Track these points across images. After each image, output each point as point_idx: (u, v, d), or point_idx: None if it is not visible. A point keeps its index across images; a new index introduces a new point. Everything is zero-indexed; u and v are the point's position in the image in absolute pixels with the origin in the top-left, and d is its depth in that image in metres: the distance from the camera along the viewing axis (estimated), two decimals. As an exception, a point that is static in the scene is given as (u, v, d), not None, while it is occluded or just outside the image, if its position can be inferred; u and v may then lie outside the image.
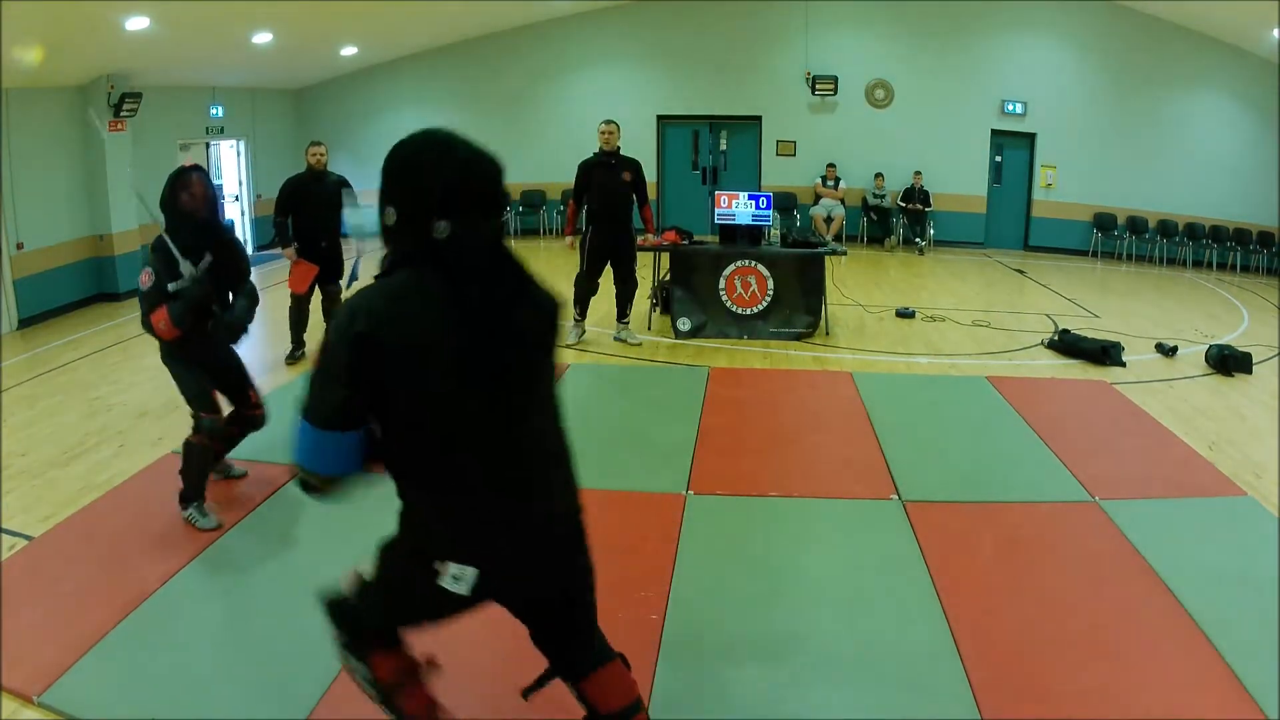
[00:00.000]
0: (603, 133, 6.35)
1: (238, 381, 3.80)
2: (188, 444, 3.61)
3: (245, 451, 4.45)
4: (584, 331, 6.87)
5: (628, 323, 6.85)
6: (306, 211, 6.02)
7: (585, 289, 6.63)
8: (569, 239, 6.65)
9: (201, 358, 3.61)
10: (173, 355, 3.58)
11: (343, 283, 6.36)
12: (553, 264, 10.50)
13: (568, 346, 6.66)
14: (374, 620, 2.01)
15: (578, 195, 6.46)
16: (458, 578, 1.71)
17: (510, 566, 1.77)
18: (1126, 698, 2.57)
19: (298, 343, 6.36)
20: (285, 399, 5.47)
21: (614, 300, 6.76)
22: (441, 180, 1.60)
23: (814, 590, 3.21)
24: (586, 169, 6.39)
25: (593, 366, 6.16)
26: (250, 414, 3.84)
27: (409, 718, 2.06)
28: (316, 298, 6.31)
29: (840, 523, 3.75)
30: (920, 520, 3.68)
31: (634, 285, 6.73)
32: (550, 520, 1.83)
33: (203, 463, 3.65)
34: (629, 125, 12.44)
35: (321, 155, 6.12)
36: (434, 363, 1.59)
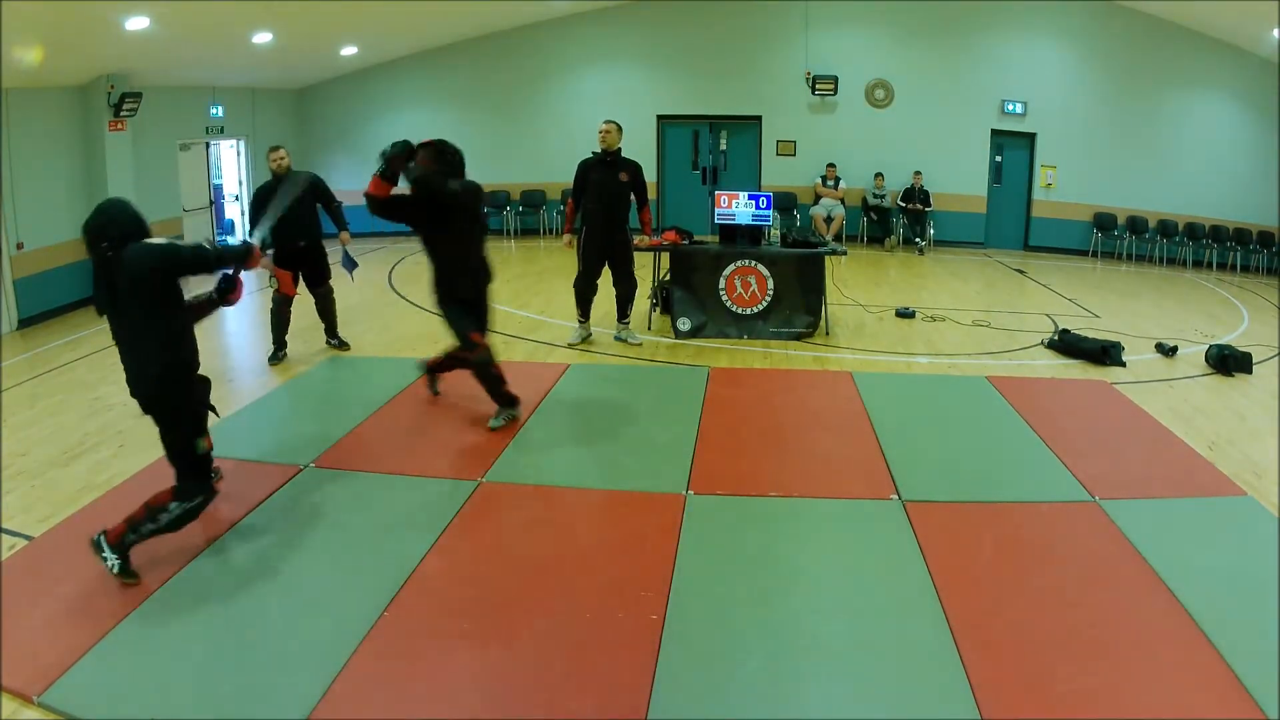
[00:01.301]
0: (602, 132, 6.32)
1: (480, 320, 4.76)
2: (477, 365, 4.64)
3: (247, 451, 4.46)
4: (589, 333, 6.86)
5: (628, 323, 6.84)
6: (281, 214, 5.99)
7: (584, 289, 6.62)
8: (566, 238, 6.64)
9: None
10: (445, 301, 4.63)
11: (348, 274, 6.44)
12: (553, 263, 10.51)
13: (570, 346, 6.67)
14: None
15: (575, 195, 6.43)
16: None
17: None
18: (1126, 698, 2.57)
19: (279, 344, 6.32)
20: (276, 402, 5.48)
21: (614, 300, 6.76)
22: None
23: (814, 590, 3.21)
24: (584, 168, 6.37)
25: (593, 366, 6.16)
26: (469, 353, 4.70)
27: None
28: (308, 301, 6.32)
29: (840, 523, 3.75)
30: (920, 520, 3.68)
31: (633, 286, 6.70)
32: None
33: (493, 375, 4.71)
34: (629, 125, 12.49)
35: (282, 159, 6.03)
36: None
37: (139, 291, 3.14)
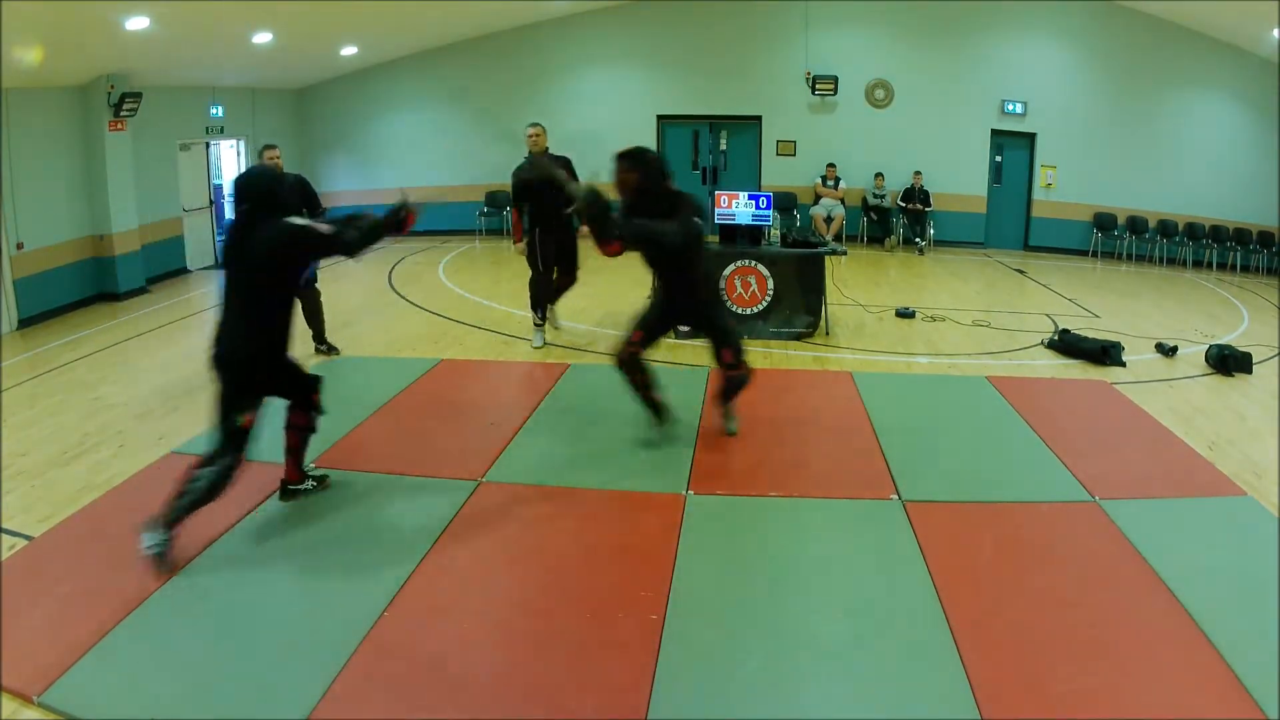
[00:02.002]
0: (532, 136, 6.39)
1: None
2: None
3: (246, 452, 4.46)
4: (545, 340, 6.78)
5: (553, 308, 7.01)
6: None
7: (541, 290, 6.63)
8: (519, 245, 6.59)
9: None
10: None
11: (303, 279, 6.17)
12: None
13: (537, 349, 6.63)
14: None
15: (518, 202, 6.48)
16: None
17: None
18: (1126, 698, 2.57)
19: None
20: (275, 402, 5.47)
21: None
22: None
23: (814, 590, 3.21)
24: (521, 175, 6.36)
25: (593, 367, 6.16)
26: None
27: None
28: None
29: (840, 523, 3.75)
30: (920, 520, 3.68)
31: (575, 280, 6.85)
32: None
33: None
34: (629, 125, 12.54)
35: (276, 157, 6.02)
36: None
37: (255, 268, 3.35)
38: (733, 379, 4.48)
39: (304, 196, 6.11)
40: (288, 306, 3.52)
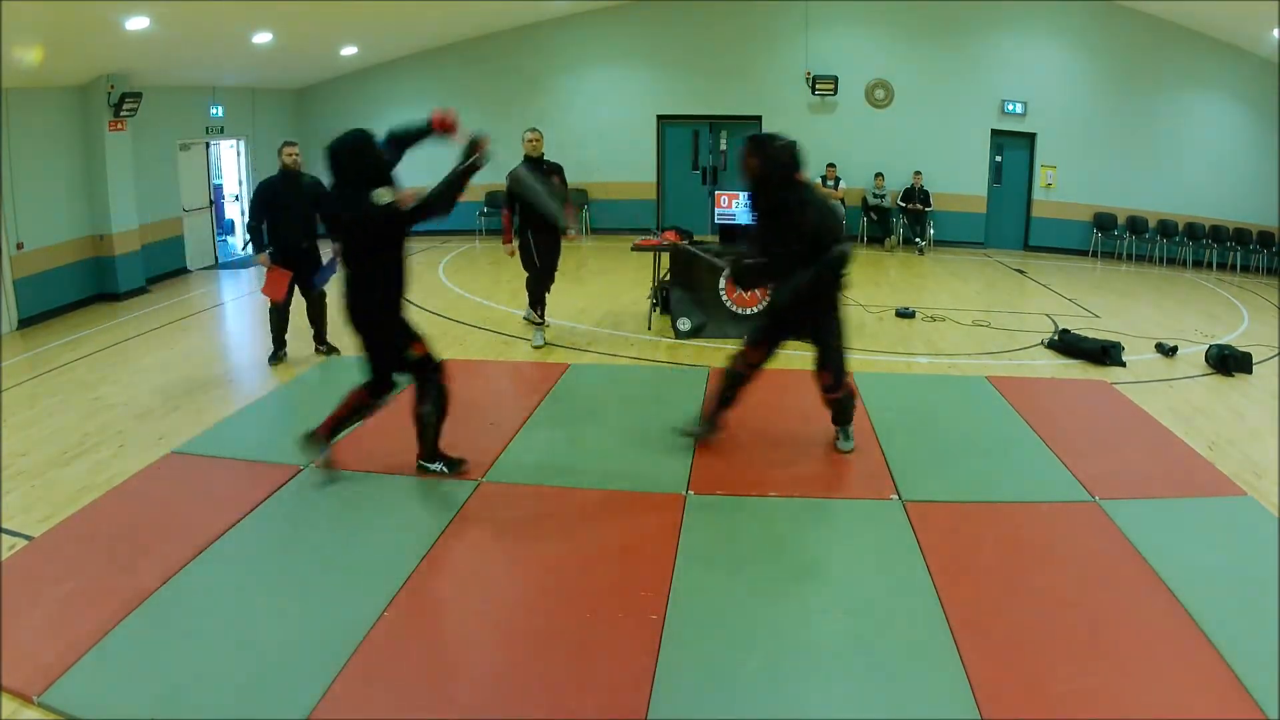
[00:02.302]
0: (530, 141, 6.50)
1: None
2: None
3: (246, 451, 4.46)
4: (545, 340, 6.82)
5: (541, 310, 7.00)
6: (284, 214, 5.94)
7: (539, 289, 6.70)
8: (509, 246, 6.67)
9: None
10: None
11: (316, 281, 6.22)
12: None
13: (537, 349, 6.64)
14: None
15: (510, 203, 6.53)
16: None
17: None
18: (1126, 698, 2.57)
19: (279, 343, 6.27)
20: (276, 402, 5.48)
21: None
22: None
23: (814, 590, 3.21)
24: (517, 177, 6.42)
25: (593, 367, 6.16)
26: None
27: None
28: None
29: (840, 523, 3.75)
30: (920, 520, 3.68)
31: (552, 279, 6.87)
32: None
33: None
34: (629, 125, 12.55)
35: (297, 155, 6.05)
36: None
37: (356, 241, 3.68)
38: (832, 403, 4.33)
39: (317, 199, 6.11)
40: (397, 267, 3.83)
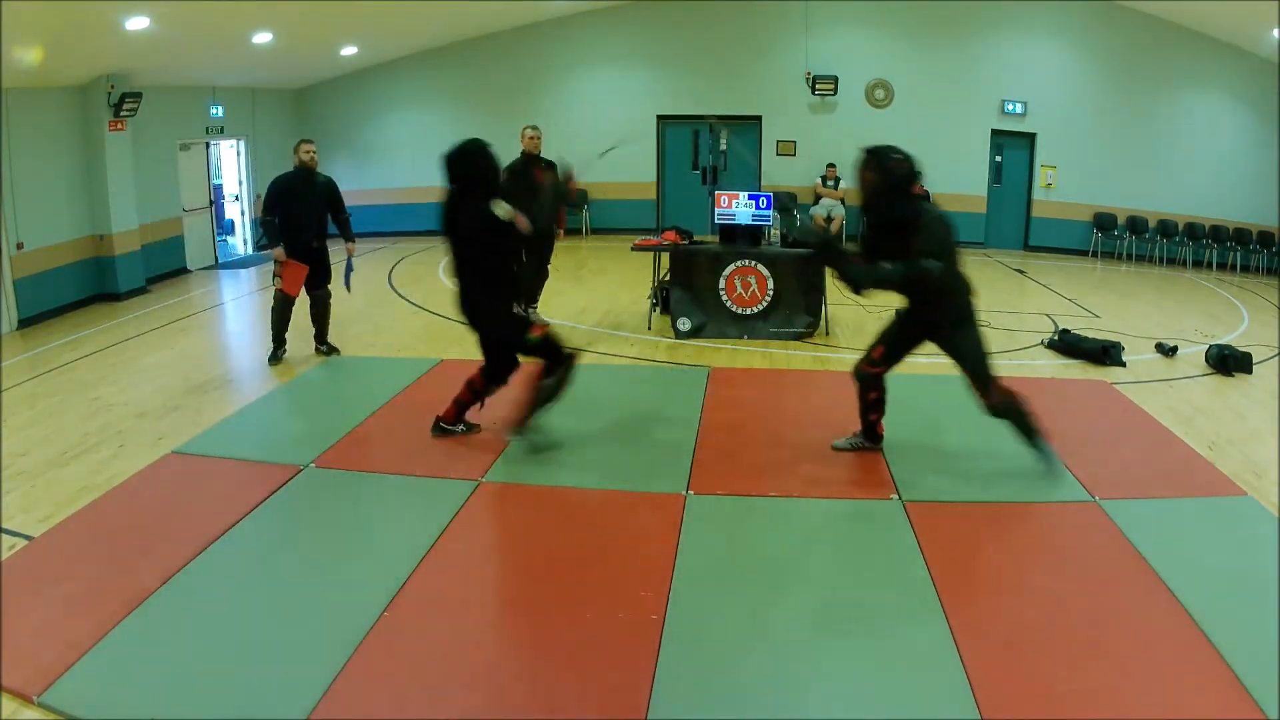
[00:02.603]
0: (531, 138, 6.72)
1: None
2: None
3: (246, 451, 4.46)
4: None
5: (536, 307, 7.19)
6: (297, 211, 5.93)
7: (530, 283, 6.78)
8: None
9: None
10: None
11: (347, 282, 6.35)
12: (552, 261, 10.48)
13: None
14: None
15: (506, 196, 6.57)
16: None
17: None
18: (1126, 698, 2.57)
19: (279, 342, 6.25)
20: (276, 402, 5.48)
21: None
22: None
23: (814, 590, 3.21)
24: (514, 172, 6.57)
25: (593, 367, 6.15)
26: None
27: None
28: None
29: (840, 523, 3.75)
30: (920, 520, 3.68)
31: (546, 275, 7.14)
32: None
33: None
34: (629, 125, 12.53)
35: (315, 152, 6.06)
36: None
37: (468, 245, 4.02)
38: (1011, 416, 4.00)
39: (330, 200, 6.14)
40: (504, 268, 4.13)
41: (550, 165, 6.72)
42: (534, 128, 6.74)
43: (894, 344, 4.13)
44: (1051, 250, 12.15)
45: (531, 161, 6.66)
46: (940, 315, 3.91)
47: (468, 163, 3.94)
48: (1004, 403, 3.98)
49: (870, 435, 4.41)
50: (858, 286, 3.83)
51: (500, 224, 3.90)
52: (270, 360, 6.22)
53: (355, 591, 3.14)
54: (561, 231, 7.18)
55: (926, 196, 3.86)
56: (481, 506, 3.84)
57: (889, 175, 3.77)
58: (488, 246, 4.02)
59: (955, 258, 3.82)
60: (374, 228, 12.43)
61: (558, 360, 4.22)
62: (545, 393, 4.22)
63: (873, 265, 3.80)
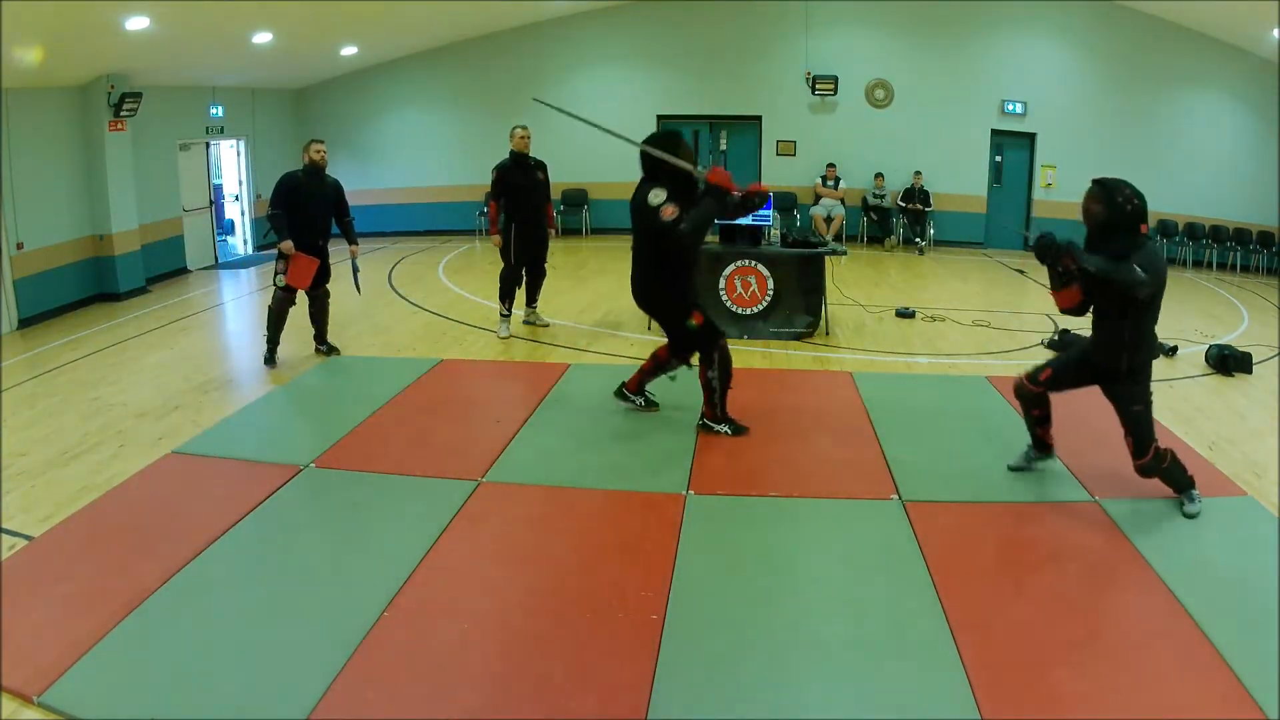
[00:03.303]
0: (521, 137, 6.71)
1: None
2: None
3: (246, 451, 4.46)
4: (510, 331, 7.02)
5: (536, 307, 7.27)
6: (305, 209, 5.92)
7: (512, 283, 6.89)
8: (496, 238, 6.85)
9: None
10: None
11: (356, 281, 6.42)
12: (552, 261, 10.49)
13: (503, 339, 6.87)
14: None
15: (496, 196, 6.72)
16: None
17: None
18: (1126, 698, 2.57)
19: (274, 343, 6.19)
20: (275, 402, 5.48)
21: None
22: None
23: (814, 590, 3.21)
24: (504, 171, 6.65)
25: (593, 366, 6.16)
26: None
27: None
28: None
29: (840, 523, 3.74)
30: (920, 520, 3.68)
31: (544, 274, 7.17)
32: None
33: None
34: (629, 125, 12.49)
35: (325, 152, 6.07)
36: None
37: (635, 222, 4.30)
38: (1161, 476, 3.79)
39: (336, 201, 6.17)
40: (662, 253, 4.28)
41: (540, 165, 6.77)
42: (524, 127, 6.72)
43: (1063, 375, 3.94)
44: (1051, 250, 12.13)
45: (521, 161, 6.66)
46: (1122, 366, 3.68)
47: (651, 145, 4.20)
48: (1156, 467, 3.75)
49: (1040, 446, 4.23)
50: (1071, 279, 3.56)
51: (648, 209, 4.13)
52: (266, 362, 6.19)
53: (355, 591, 3.14)
54: (554, 231, 7.21)
55: (1150, 237, 3.59)
56: (481, 506, 3.84)
57: (1118, 211, 3.49)
58: (644, 230, 4.29)
59: (1159, 298, 3.57)
60: (374, 228, 12.43)
61: (707, 349, 4.49)
62: (714, 384, 4.55)
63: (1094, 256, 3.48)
